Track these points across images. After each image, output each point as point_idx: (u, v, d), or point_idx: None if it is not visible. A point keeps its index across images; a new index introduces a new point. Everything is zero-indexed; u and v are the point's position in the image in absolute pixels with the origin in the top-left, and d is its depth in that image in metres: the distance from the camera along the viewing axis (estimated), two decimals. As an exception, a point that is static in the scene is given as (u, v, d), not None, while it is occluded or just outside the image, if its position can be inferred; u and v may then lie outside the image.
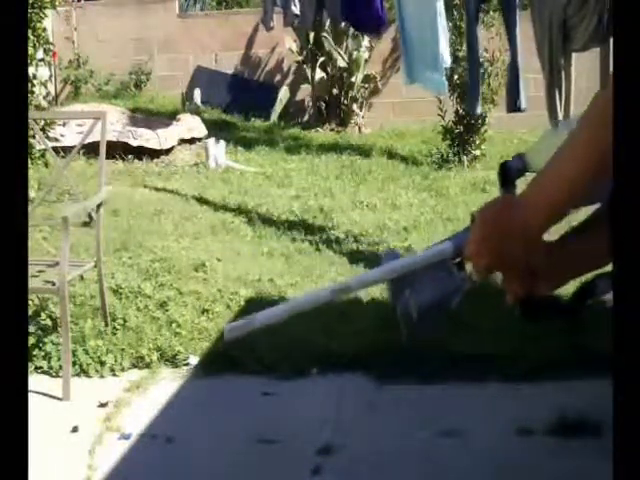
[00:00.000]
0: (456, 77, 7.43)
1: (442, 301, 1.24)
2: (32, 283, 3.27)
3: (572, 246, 1.22)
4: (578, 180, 1.07)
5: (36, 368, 3.46)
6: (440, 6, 4.79)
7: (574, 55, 4.42)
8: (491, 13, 7.37)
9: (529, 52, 4.61)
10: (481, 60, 7.63)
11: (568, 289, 1.27)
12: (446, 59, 4.84)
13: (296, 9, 6.12)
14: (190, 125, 8.27)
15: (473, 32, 4.83)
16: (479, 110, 5.24)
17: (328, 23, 8.90)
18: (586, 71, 5.66)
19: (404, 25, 5.10)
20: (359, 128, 9.73)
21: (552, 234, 1.19)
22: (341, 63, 9.56)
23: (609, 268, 1.19)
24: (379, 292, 4.28)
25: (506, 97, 4.82)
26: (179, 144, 7.95)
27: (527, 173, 1.28)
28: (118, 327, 3.74)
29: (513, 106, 4.70)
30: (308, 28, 6.88)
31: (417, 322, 1.23)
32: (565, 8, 4.13)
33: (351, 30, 9.43)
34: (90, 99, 9.84)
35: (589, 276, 1.24)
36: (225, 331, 1.27)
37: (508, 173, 1.23)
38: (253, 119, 9.70)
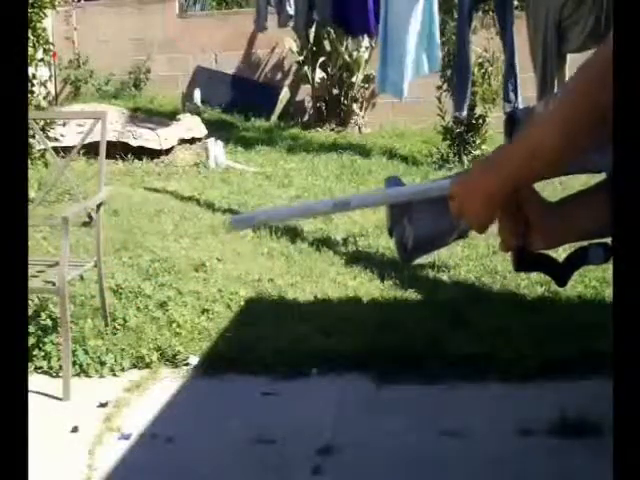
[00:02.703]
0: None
1: (437, 237, 1.26)
2: (32, 283, 3.27)
3: (571, 209, 1.23)
4: (552, 146, 1.06)
5: (36, 368, 3.45)
6: (434, 10, 4.79)
7: (570, 59, 4.42)
8: (491, 14, 7.36)
9: (526, 52, 4.62)
10: (481, 60, 7.66)
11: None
12: (434, 62, 4.84)
13: (290, 10, 6.11)
14: (190, 125, 8.27)
15: (464, 34, 4.84)
16: (465, 112, 5.25)
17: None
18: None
19: (389, 30, 5.09)
20: (359, 128, 9.73)
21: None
22: (346, 57, 9.53)
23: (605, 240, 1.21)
24: (379, 292, 4.28)
25: (503, 99, 4.82)
26: (179, 144, 7.95)
27: None
28: (118, 327, 3.74)
29: (511, 108, 4.71)
30: (300, 31, 6.89)
31: (410, 250, 1.25)
32: (561, 9, 4.13)
33: (351, 30, 9.43)
34: (90, 99, 9.84)
35: (584, 244, 1.25)
36: (231, 222, 1.29)
37: (514, 124, 1.23)
38: (253, 119, 9.70)
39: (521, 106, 4.73)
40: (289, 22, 6.31)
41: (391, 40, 5.00)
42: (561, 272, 1.27)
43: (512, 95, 4.71)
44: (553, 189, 4.68)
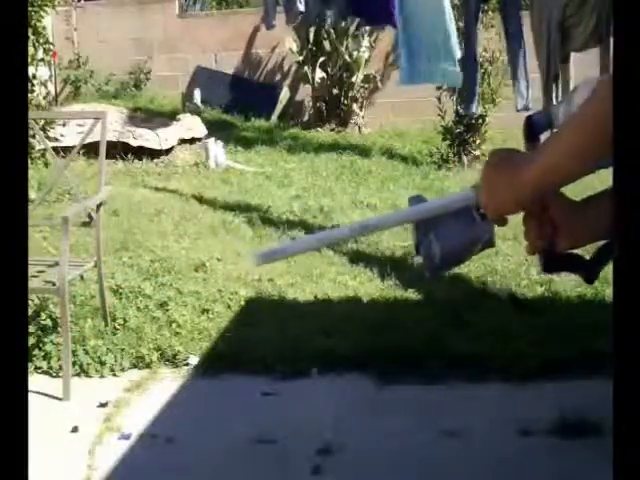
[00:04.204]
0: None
1: (463, 250, 1.26)
2: (32, 283, 3.27)
3: (596, 208, 1.23)
4: (580, 150, 1.06)
5: (36, 368, 3.46)
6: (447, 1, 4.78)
7: (573, 59, 4.43)
8: (490, 14, 7.37)
9: (529, 52, 4.63)
10: (481, 60, 7.66)
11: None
12: (457, 50, 4.81)
13: (301, 6, 6.07)
14: (190, 125, 8.26)
15: (472, 31, 4.83)
16: (474, 109, 5.24)
17: (329, 22, 8.88)
18: (585, 77, 5.65)
19: (410, 19, 5.06)
20: (359, 128, 9.72)
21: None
22: (346, 57, 9.53)
23: None
24: (379, 292, 4.28)
25: (515, 96, 4.80)
26: (179, 144, 7.94)
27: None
28: (118, 327, 3.74)
29: (523, 105, 4.70)
30: (311, 23, 6.85)
31: (438, 266, 1.25)
32: (564, 8, 4.14)
33: (351, 30, 9.43)
34: (90, 99, 9.83)
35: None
36: (255, 256, 1.29)
37: (532, 128, 1.22)
38: (253, 119, 9.70)
39: (531, 103, 4.73)
40: (298, 18, 6.27)
41: (416, 29, 4.96)
42: (589, 269, 1.26)
43: (524, 91, 4.70)
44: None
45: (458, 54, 4.78)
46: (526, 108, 4.71)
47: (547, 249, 1.22)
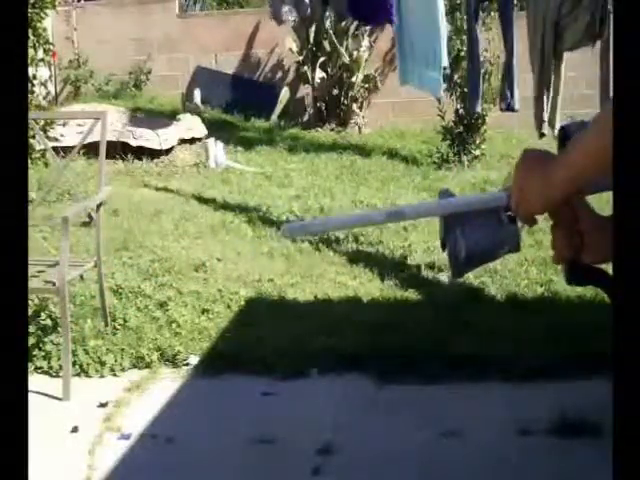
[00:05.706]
0: (456, 77, 7.44)
1: (489, 250, 1.26)
2: (32, 283, 3.27)
3: None
4: (603, 151, 1.06)
5: (36, 368, 3.46)
6: (441, 4, 4.79)
7: (567, 58, 4.43)
8: (492, 14, 7.36)
9: (524, 52, 4.63)
10: (482, 60, 7.66)
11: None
12: (445, 58, 4.83)
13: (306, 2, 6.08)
14: (190, 125, 8.26)
15: (473, 30, 4.84)
16: (479, 108, 5.24)
17: (328, 23, 8.89)
18: (586, 77, 5.67)
19: (404, 22, 5.08)
20: (359, 128, 9.72)
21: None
22: (345, 59, 9.53)
23: None
24: (379, 292, 4.28)
25: (499, 96, 4.82)
26: (179, 144, 7.94)
27: None
28: (118, 327, 3.75)
29: (506, 106, 4.71)
30: (317, 20, 6.88)
31: (462, 263, 1.25)
32: (559, 8, 4.15)
33: (351, 30, 9.43)
34: (90, 99, 9.83)
35: None
36: (285, 229, 1.31)
37: (567, 137, 1.22)
38: (253, 119, 9.69)
39: (517, 105, 4.74)
40: (307, 12, 6.27)
41: (409, 31, 4.96)
42: (613, 285, 1.27)
43: (508, 92, 4.71)
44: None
45: (445, 62, 4.79)
46: (511, 109, 4.72)
47: (573, 260, 1.22)
